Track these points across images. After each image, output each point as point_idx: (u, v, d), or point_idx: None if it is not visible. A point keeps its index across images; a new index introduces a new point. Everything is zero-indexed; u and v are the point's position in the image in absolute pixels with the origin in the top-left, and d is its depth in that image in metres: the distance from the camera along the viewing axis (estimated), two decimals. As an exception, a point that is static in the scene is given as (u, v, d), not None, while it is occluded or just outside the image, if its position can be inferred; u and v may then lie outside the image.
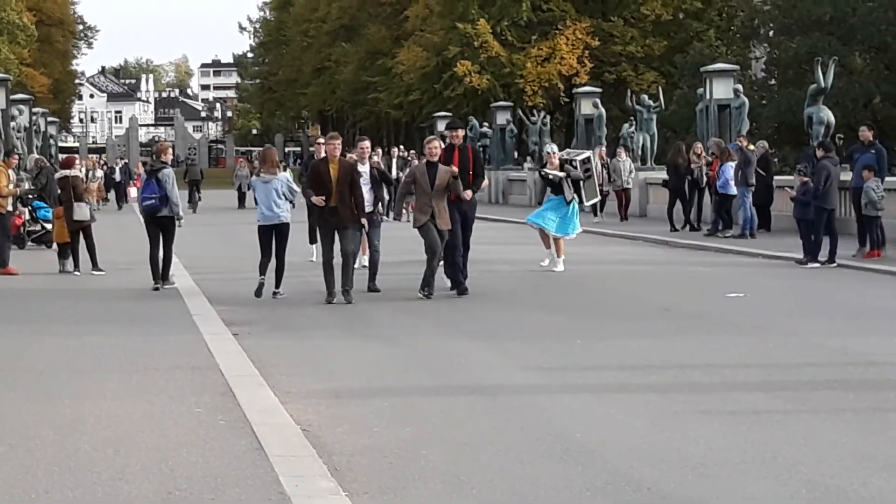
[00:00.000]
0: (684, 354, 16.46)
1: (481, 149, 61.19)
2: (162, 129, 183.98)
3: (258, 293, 22.60)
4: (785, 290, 24.32)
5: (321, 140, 25.20)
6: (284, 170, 31.34)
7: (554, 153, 27.77)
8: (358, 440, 11.43)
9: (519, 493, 9.62)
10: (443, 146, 23.11)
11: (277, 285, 23.21)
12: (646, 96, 56.18)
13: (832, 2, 72.24)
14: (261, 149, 50.12)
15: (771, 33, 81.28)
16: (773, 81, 78.50)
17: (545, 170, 27.46)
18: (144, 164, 37.50)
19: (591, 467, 10.41)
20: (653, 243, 35.83)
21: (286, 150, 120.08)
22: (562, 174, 26.57)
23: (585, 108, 60.41)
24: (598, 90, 64.89)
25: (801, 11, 73.59)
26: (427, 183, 22.13)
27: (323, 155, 23.55)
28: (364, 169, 23.52)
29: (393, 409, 13.03)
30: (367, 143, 24.81)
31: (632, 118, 55.03)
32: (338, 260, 21.73)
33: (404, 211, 26.93)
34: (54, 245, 32.23)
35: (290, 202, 23.61)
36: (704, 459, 10.63)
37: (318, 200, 21.88)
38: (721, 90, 47.77)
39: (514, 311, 20.05)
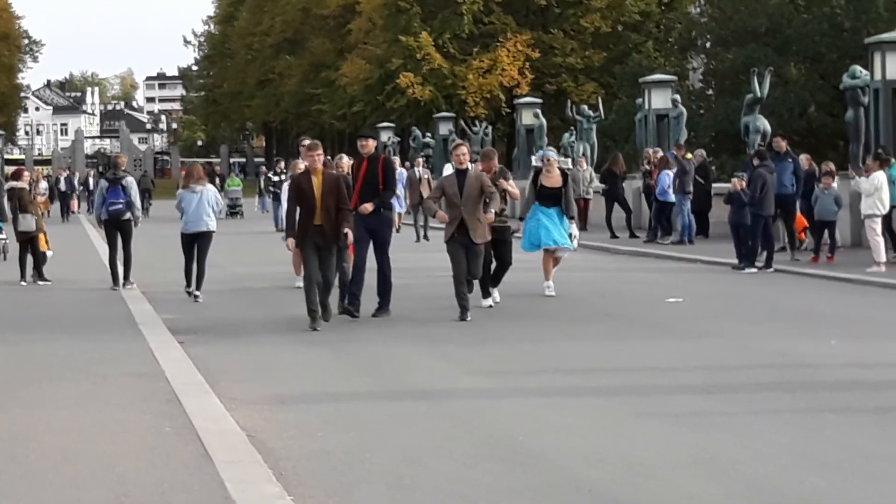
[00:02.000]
0: (625, 358, 16.53)
1: (424, 158, 61.17)
2: (108, 141, 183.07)
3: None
4: (723, 294, 24.46)
5: (306, 142, 21.94)
6: (221, 181, 33.48)
7: (553, 159, 23.74)
8: (303, 445, 11.40)
9: (463, 495, 9.61)
10: (465, 152, 21.01)
11: (198, 287, 24.46)
12: (586, 107, 56.46)
13: (768, 14, 72.65)
14: (192, 161, 50.59)
15: (708, 45, 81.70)
16: (710, 91, 78.94)
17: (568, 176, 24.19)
18: (103, 174, 37.23)
19: (533, 469, 10.41)
20: (593, 250, 35.91)
21: (231, 160, 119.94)
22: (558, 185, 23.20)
23: (526, 118, 60.64)
24: (539, 101, 65.19)
25: (737, 23, 74.01)
26: (456, 194, 20.22)
27: (302, 168, 21.32)
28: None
29: (337, 414, 13.01)
30: (320, 150, 20.97)
31: (572, 128, 55.24)
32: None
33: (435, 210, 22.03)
34: (2, 256, 32.42)
35: (217, 213, 25.60)
36: (645, 460, 10.65)
37: (289, 244, 19.89)
38: (659, 100, 47.98)
39: (453, 317, 20.01)
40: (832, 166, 30.68)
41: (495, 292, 21.93)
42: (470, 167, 20.74)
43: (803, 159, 31.66)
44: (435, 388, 14.38)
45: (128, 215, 26.54)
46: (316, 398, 13.96)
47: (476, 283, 21.08)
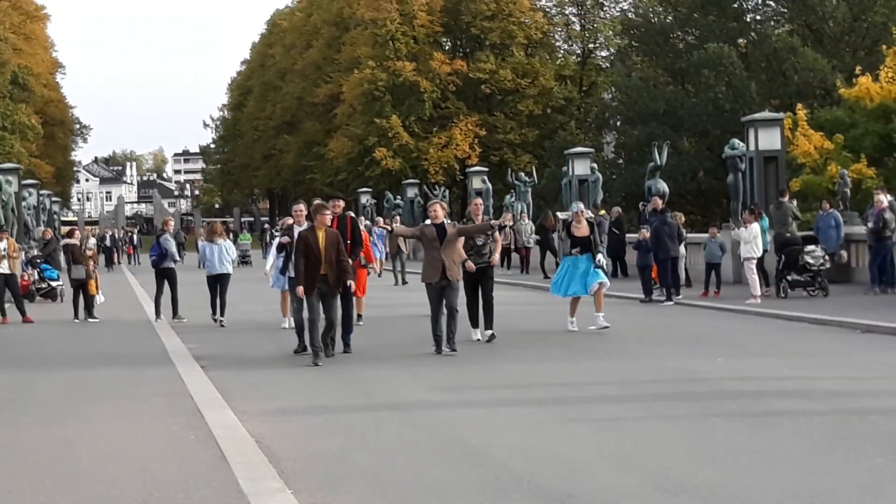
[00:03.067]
0: (555, 375, 16.49)
1: (397, 216, 61.25)
2: (143, 205, 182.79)
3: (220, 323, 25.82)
4: (633, 322, 24.43)
5: (301, 208, 20.51)
6: (233, 236, 34.23)
7: (582, 212, 22.38)
8: (300, 448, 11.36)
9: (426, 487, 9.58)
10: (437, 209, 19.99)
11: (222, 314, 26.25)
12: (522, 173, 56.71)
13: (665, 99, 73.17)
14: (213, 220, 50.72)
15: (618, 123, 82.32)
16: (620, 161, 79.43)
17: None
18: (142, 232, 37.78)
19: (483, 466, 10.38)
20: (530, 289, 35.92)
21: (242, 219, 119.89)
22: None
23: (476, 183, 60.81)
24: (486, 169, 65.44)
25: (640, 106, 74.49)
26: (436, 239, 19.24)
27: (305, 224, 19.51)
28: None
29: (327, 423, 12.98)
30: (301, 207, 20.54)
31: (512, 190, 55.37)
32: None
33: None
34: (59, 298, 32.66)
35: (232, 261, 27.47)
36: (572, 457, 10.63)
37: (300, 292, 18.17)
38: (580, 168, 48.25)
39: (420, 345, 19.94)
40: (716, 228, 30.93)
41: (488, 332, 20.53)
42: (446, 221, 19.89)
43: (678, 216, 31.87)
44: (404, 401, 14.32)
45: (165, 264, 27.84)
46: (310, 410, 13.93)
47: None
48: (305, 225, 19.46)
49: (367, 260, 23.70)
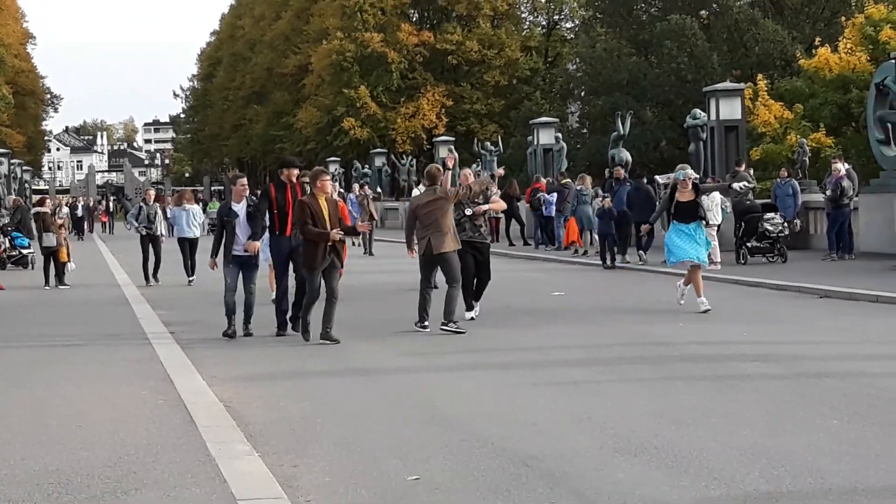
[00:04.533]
0: (521, 340, 16.56)
1: (365, 185, 61.12)
2: (114, 174, 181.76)
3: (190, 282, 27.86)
4: (594, 288, 24.54)
5: (244, 182, 18.09)
6: (202, 204, 35.73)
7: (689, 177, 19.98)
8: (268, 413, 11.35)
9: (393, 449, 9.58)
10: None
11: (192, 274, 28.35)
12: (489, 143, 56.66)
13: (628, 69, 73.09)
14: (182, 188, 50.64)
15: (582, 94, 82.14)
16: (584, 130, 79.43)
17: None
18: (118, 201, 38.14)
19: (450, 429, 10.39)
20: (495, 256, 35.89)
21: (212, 188, 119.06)
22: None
23: (443, 152, 60.48)
24: (452, 139, 65.42)
25: (604, 77, 74.42)
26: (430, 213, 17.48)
27: (243, 202, 17.63)
28: (240, 207, 17.49)
29: (295, 388, 12.97)
30: (244, 181, 18.25)
31: (478, 160, 55.32)
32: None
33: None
34: (31, 266, 32.78)
35: (200, 224, 29.83)
36: (537, 420, 10.65)
37: (336, 234, 16.25)
38: (545, 137, 48.28)
39: (390, 312, 19.93)
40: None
41: (477, 306, 19.12)
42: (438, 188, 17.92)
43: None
44: (372, 367, 14.34)
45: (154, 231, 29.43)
46: (278, 376, 13.93)
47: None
48: (244, 200, 17.61)
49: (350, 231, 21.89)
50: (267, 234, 18.79)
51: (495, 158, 53.63)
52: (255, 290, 17.55)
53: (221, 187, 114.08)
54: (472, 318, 18.62)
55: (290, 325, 17.40)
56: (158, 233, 29.65)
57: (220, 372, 13.90)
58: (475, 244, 18.71)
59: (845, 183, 29.08)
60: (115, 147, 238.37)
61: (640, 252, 29.52)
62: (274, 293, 20.83)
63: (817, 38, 63.16)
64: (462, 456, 9.31)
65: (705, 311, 18.71)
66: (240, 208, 17.40)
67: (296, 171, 17.89)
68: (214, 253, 17.71)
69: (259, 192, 20.51)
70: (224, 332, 17.30)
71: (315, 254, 16.29)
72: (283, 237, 17.47)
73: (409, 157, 70.15)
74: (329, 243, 16.28)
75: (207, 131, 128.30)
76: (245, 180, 17.92)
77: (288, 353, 15.77)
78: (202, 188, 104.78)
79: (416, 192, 25.65)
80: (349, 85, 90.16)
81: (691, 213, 19.59)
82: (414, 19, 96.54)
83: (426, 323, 17.46)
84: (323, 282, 16.47)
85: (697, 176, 20.95)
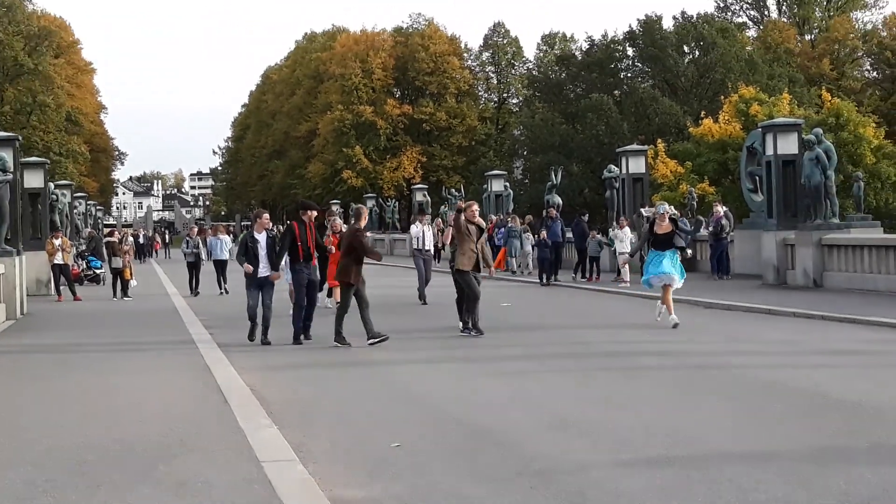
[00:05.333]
0: (477, 340, 16.50)
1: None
2: (166, 212, 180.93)
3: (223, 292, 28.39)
4: (535, 302, 24.52)
5: (267, 216, 16.99)
6: (233, 236, 36.86)
7: (667, 212, 18.43)
8: (283, 395, 11.30)
9: (378, 422, 9.56)
10: (477, 209, 17.65)
11: (225, 285, 28.92)
12: (453, 190, 56.72)
13: (559, 134, 73.52)
14: (216, 223, 50.82)
15: (525, 153, 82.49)
16: (526, 181, 79.67)
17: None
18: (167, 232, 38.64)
19: (422, 408, 10.38)
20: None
21: (242, 223, 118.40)
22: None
23: (419, 196, 60.63)
24: (426, 187, 65.27)
25: (541, 140, 74.91)
26: (475, 234, 17.10)
27: (264, 232, 16.63)
28: (261, 237, 16.55)
29: (304, 376, 12.95)
30: (267, 215, 17.10)
31: (446, 202, 55.30)
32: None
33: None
34: (102, 282, 32.75)
35: (229, 251, 30.29)
36: (488, 401, 10.65)
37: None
38: (497, 186, 48.29)
39: (380, 321, 19.83)
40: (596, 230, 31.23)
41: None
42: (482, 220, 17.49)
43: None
44: (364, 360, 14.29)
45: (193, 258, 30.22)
46: (291, 367, 13.87)
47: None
48: (264, 231, 16.66)
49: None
50: (287, 260, 18.51)
51: (458, 201, 53.73)
52: (271, 305, 16.47)
53: (249, 223, 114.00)
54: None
55: (302, 335, 16.52)
56: (201, 258, 30.53)
57: (247, 364, 13.82)
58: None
59: (724, 221, 29.33)
60: (168, 192, 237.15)
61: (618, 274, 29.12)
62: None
63: (703, 112, 63.65)
64: (430, 428, 9.30)
65: (675, 326, 17.08)
66: (261, 237, 16.50)
67: (314, 213, 16.96)
68: (242, 262, 16.40)
69: (283, 227, 19.64)
70: (248, 337, 16.48)
71: (353, 272, 15.74)
72: (303, 265, 16.55)
73: (393, 201, 70.12)
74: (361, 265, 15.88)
75: (239, 180, 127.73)
76: (267, 215, 17.02)
77: (297, 351, 15.71)
78: (234, 223, 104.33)
79: (414, 227, 25.22)
80: (347, 145, 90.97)
81: (668, 243, 17.98)
82: (397, 95, 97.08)
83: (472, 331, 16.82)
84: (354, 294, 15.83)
85: (677, 212, 19.45)
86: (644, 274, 18.30)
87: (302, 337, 16.49)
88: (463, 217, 17.43)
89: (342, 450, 8.48)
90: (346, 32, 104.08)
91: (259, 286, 16.42)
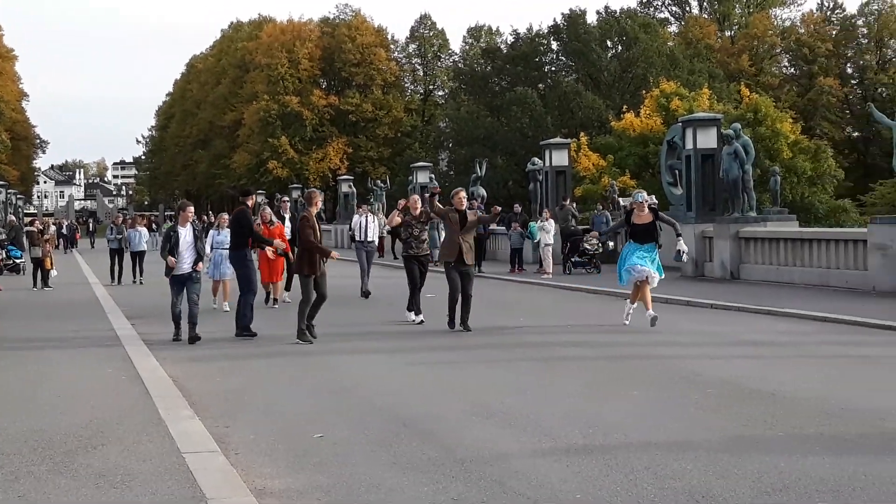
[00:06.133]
0: (405, 331, 16.50)
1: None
2: (88, 202, 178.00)
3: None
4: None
5: (191, 209, 15.62)
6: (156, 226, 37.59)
7: (646, 200, 16.64)
8: (207, 387, 11.19)
9: (305, 415, 9.51)
10: (464, 196, 16.67)
11: (141, 276, 29.08)
12: (379, 181, 56.50)
13: (485, 127, 73.63)
14: (134, 214, 50.33)
15: (450, 145, 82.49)
16: (452, 173, 79.58)
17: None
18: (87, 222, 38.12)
19: (351, 398, 10.34)
20: (388, 268, 35.79)
21: (165, 213, 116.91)
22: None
23: (344, 188, 60.38)
24: (352, 178, 65.06)
25: (466, 132, 74.95)
26: (458, 224, 16.15)
27: (188, 225, 15.46)
28: (184, 230, 15.28)
29: (230, 366, 12.81)
30: (191, 208, 15.87)
31: (372, 194, 55.16)
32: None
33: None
34: (23, 272, 32.31)
35: (147, 242, 30.81)
36: (415, 391, 10.66)
37: (336, 254, 15.31)
38: (422, 177, 48.22)
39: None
40: (518, 223, 31.34)
41: (420, 315, 17.39)
42: (468, 209, 16.56)
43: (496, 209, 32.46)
44: (293, 351, 14.21)
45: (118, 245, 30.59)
46: (217, 357, 13.71)
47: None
48: (189, 224, 15.54)
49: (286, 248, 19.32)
50: (216, 255, 18.25)
51: (383, 193, 53.50)
52: (198, 301, 15.40)
53: (173, 212, 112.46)
54: (423, 322, 17.17)
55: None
56: (125, 246, 30.63)
57: (170, 355, 13.66)
58: (420, 258, 17.60)
59: (644, 214, 29.59)
60: (90, 181, 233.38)
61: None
62: (215, 299, 20.22)
63: (625, 106, 64.23)
64: (356, 419, 9.26)
65: (653, 320, 15.65)
66: (185, 231, 15.29)
67: (251, 199, 16.90)
68: (166, 256, 15.12)
69: (229, 216, 18.65)
70: (173, 338, 15.19)
71: (314, 262, 14.87)
72: (249, 253, 16.28)
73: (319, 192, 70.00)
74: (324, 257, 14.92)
75: (163, 169, 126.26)
76: (192, 207, 15.84)
77: (223, 340, 15.52)
78: (157, 213, 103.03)
79: (356, 217, 24.41)
80: (273, 135, 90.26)
81: (648, 234, 16.33)
82: (323, 86, 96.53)
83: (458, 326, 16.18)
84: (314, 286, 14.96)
85: (656, 201, 16.82)
86: (620, 269, 16.59)
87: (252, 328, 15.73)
88: (437, 205, 16.95)
89: (266, 441, 8.41)
90: (272, 22, 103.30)
91: (182, 283, 15.26)
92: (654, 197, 19.09)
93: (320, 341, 14.93)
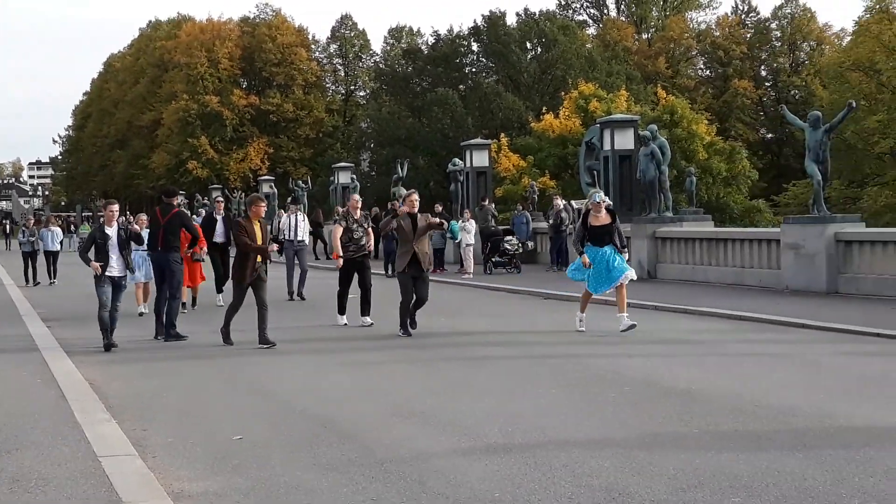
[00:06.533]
0: (327, 332, 16.45)
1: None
2: (4, 202, 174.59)
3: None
4: (380, 293, 24.42)
5: (115, 208, 14.43)
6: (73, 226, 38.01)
7: (603, 201, 15.60)
8: (124, 389, 11.04)
9: (224, 416, 9.43)
10: (416, 199, 16.16)
11: (55, 277, 29.57)
12: (300, 182, 56.13)
13: (406, 128, 73.65)
14: (48, 214, 49.53)
15: (372, 145, 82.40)
16: (373, 173, 79.60)
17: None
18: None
19: (271, 400, 10.27)
20: (314, 269, 35.52)
21: (83, 214, 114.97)
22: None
23: (266, 188, 60.01)
24: (273, 178, 64.81)
25: (388, 133, 74.89)
26: (410, 230, 15.70)
27: (114, 225, 14.57)
28: (112, 231, 14.52)
29: (147, 368, 12.66)
30: (115, 207, 14.77)
31: (292, 194, 54.80)
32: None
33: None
34: None
35: (60, 242, 31.33)
36: (337, 393, 10.61)
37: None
38: (344, 178, 48.19)
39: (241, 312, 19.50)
40: (443, 221, 31.39)
41: (367, 319, 17.10)
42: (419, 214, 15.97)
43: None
44: (212, 353, 14.07)
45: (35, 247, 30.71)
46: (134, 360, 13.54)
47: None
48: (114, 225, 14.64)
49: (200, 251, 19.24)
50: (139, 258, 17.76)
51: (305, 193, 53.21)
52: (119, 307, 14.77)
53: (90, 213, 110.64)
54: (371, 324, 16.93)
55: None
56: (37, 248, 30.65)
57: (87, 358, 13.45)
58: (356, 259, 17.20)
59: (563, 214, 29.80)
60: (5, 181, 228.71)
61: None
62: (142, 306, 19.31)
63: (544, 107, 64.67)
64: (277, 420, 9.21)
65: (630, 328, 15.02)
66: (112, 232, 14.48)
67: (175, 200, 16.46)
68: (87, 261, 14.38)
69: (147, 217, 18.07)
70: (104, 346, 14.37)
71: (245, 269, 14.38)
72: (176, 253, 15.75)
73: (239, 192, 69.20)
74: (259, 261, 14.42)
75: (80, 169, 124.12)
76: (116, 206, 14.76)
77: (143, 343, 15.33)
78: (75, 214, 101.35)
79: (284, 217, 23.58)
80: (193, 135, 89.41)
81: (607, 235, 15.43)
82: (244, 86, 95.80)
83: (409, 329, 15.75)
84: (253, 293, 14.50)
85: (610, 202, 16.30)
86: (588, 280, 15.47)
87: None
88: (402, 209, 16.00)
89: (184, 444, 8.31)
90: (191, 21, 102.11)
91: (112, 286, 14.43)
92: (609, 198, 18.69)
93: (242, 344, 14.72)
